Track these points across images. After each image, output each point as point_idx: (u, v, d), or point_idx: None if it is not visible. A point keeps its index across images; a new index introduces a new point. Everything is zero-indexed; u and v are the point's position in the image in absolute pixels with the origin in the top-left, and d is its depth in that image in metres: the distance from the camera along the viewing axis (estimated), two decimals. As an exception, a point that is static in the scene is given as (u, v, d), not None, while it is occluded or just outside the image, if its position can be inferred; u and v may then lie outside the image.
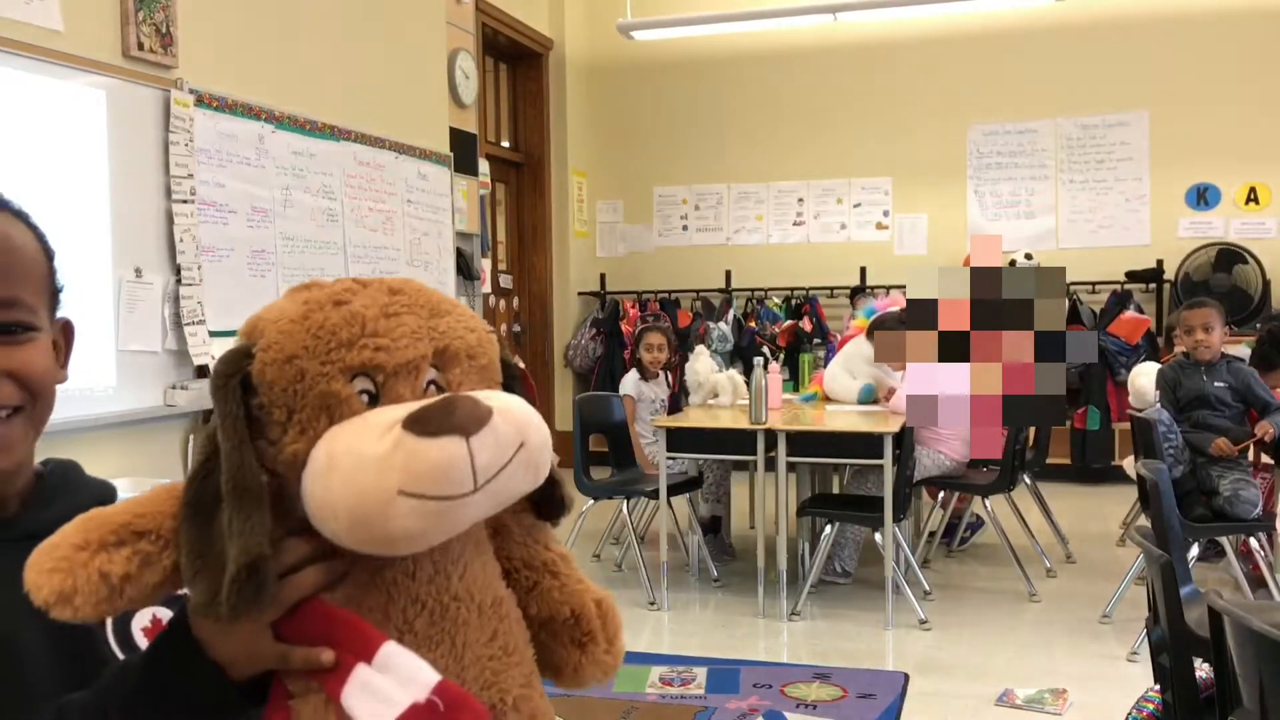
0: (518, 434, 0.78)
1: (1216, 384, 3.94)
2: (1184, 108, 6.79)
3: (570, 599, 0.95)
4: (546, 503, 0.94)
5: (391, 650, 0.79)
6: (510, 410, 0.79)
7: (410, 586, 0.82)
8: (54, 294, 1.01)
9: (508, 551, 0.93)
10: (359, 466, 0.74)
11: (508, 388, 0.89)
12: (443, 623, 0.83)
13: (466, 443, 0.74)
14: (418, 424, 0.74)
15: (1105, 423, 6.65)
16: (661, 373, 5.17)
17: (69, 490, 1.01)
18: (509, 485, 0.79)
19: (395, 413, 0.76)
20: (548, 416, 7.51)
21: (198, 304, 4.13)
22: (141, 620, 0.84)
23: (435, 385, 0.83)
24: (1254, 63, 6.67)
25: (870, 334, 4.71)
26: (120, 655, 0.98)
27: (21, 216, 0.97)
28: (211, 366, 0.81)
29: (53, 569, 0.76)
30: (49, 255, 1.00)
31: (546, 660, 0.94)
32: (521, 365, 0.96)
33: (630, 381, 5.06)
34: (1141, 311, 6.72)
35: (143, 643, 0.99)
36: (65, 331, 1.03)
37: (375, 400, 0.80)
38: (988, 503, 4.52)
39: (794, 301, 7.41)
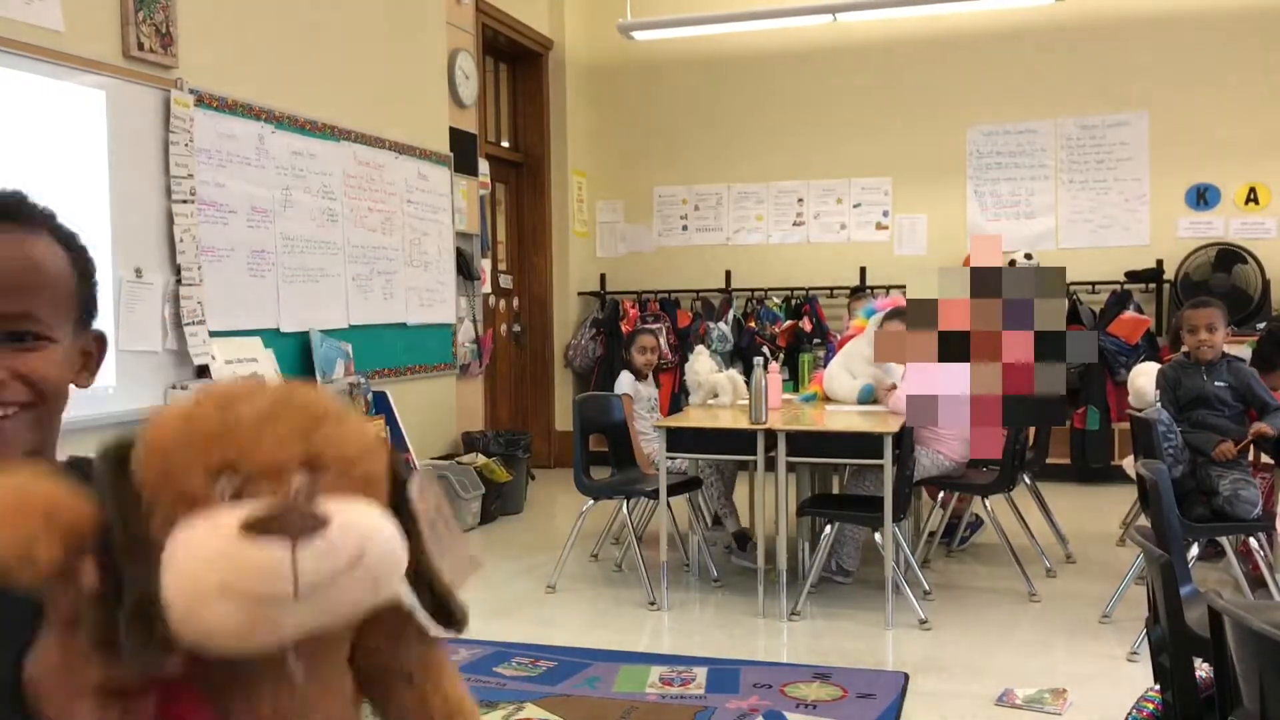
0: (357, 546, 0.76)
1: (1216, 384, 3.94)
2: (1184, 108, 6.80)
3: None
4: (443, 615, 0.92)
5: None
6: (356, 524, 0.77)
7: None
8: (85, 306, 1.06)
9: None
10: (191, 560, 0.74)
11: (397, 507, 0.87)
12: None
13: (291, 545, 0.73)
14: (249, 525, 0.74)
15: (1105, 423, 6.65)
16: (651, 374, 5.20)
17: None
18: (340, 597, 0.76)
19: (239, 513, 0.75)
20: (548, 416, 7.56)
21: (198, 304, 4.13)
22: None
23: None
24: (1254, 63, 6.67)
25: (882, 325, 4.69)
26: None
27: (58, 233, 1.02)
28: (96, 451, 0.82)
29: None
30: (82, 271, 1.05)
31: None
32: (417, 483, 0.88)
33: (627, 381, 5.07)
34: (1141, 311, 6.72)
35: None
36: (99, 342, 1.09)
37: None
38: (987, 503, 4.52)
39: (794, 301, 7.41)
